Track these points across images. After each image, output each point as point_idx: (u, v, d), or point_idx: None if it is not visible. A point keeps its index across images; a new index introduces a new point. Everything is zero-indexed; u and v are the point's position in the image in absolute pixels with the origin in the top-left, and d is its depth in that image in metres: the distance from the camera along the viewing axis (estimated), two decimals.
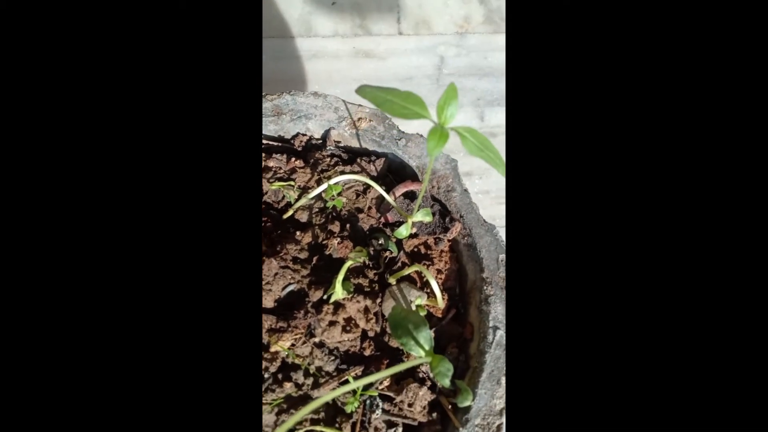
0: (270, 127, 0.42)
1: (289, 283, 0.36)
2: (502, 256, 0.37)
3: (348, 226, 0.40)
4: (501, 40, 0.73)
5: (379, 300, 0.37)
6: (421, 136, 0.41)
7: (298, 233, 0.38)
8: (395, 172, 0.43)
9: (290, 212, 0.39)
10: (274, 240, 0.37)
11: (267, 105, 0.41)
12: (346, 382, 0.34)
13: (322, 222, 0.39)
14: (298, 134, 0.43)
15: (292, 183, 0.40)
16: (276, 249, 0.36)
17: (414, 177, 0.42)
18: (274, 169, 0.41)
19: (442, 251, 0.40)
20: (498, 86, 0.69)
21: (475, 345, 0.37)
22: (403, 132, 0.42)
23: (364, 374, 0.35)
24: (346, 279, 0.36)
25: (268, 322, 0.34)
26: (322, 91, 0.43)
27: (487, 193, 0.62)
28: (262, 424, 0.33)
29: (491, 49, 0.72)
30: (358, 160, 0.42)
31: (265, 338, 0.34)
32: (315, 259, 0.37)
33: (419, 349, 0.27)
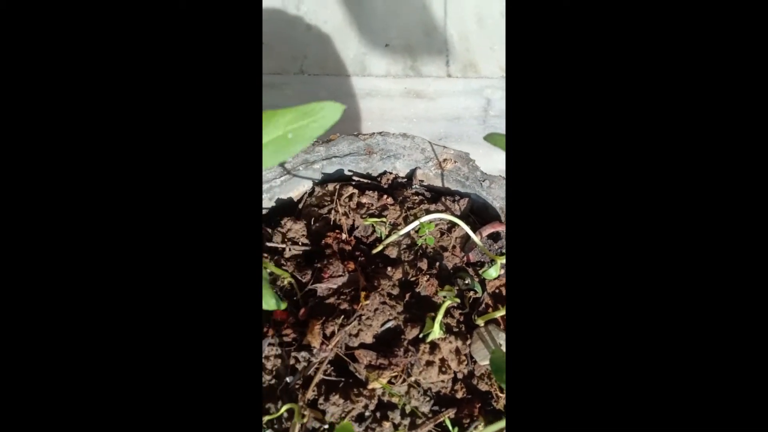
0: (361, 165, 0.43)
1: (388, 320, 0.36)
2: None
3: (436, 264, 0.40)
4: None
5: (468, 341, 0.37)
6: (504, 177, 0.43)
7: (389, 269, 0.38)
8: (477, 213, 0.44)
9: (380, 247, 0.40)
10: (370, 275, 0.38)
11: (359, 144, 0.42)
12: (442, 424, 0.34)
13: (411, 259, 0.40)
14: (385, 172, 0.44)
15: (384, 219, 0.41)
16: (374, 284, 0.37)
17: (496, 218, 0.43)
18: (366, 205, 0.42)
19: None
20: None
21: None
22: (487, 173, 0.43)
23: (457, 417, 0.35)
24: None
25: (368, 357, 0.34)
26: (385, 130, 0.44)
27: None
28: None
29: None
30: (443, 199, 0.43)
31: (364, 373, 0.34)
32: (407, 295, 0.38)
33: None
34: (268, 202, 0.43)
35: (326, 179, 0.43)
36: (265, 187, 0.41)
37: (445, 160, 0.43)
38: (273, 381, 0.35)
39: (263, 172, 0.41)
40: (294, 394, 0.34)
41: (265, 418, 0.33)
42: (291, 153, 0.22)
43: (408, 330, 0.36)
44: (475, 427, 0.34)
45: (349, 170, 0.44)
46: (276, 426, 0.33)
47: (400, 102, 0.72)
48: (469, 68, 0.76)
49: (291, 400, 0.34)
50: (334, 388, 0.34)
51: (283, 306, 0.34)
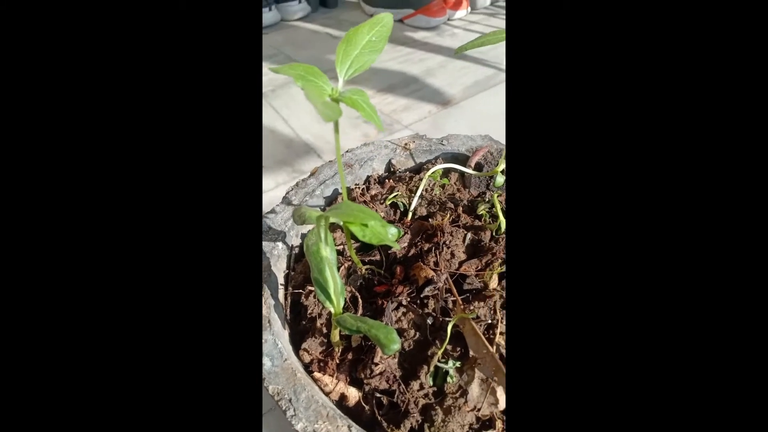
0: (348, 179, 0.49)
1: (465, 236, 0.40)
2: None
3: (457, 202, 0.46)
4: None
5: None
6: (452, 134, 0.53)
7: (431, 220, 0.43)
8: (451, 162, 0.53)
9: (410, 214, 0.45)
10: (436, 224, 0.42)
11: (341, 163, 0.49)
12: None
13: (438, 208, 0.45)
14: (368, 177, 0.50)
15: (400, 194, 0.46)
16: (431, 225, 0.41)
17: (466, 158, 0.52)
18: (378, 195, 0.47)
19: None
20: None
21: None
22: (440, 138, 0.54)
23: None
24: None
25: (473, 267, 0.37)
26: (367, 139, 0.53)
27: None
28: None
29: None
30: (424, 167, 0.51)
31: (476, 282, 0.36)
32: (461, 225, 0.43)
33: None
34: (297, 240, 0.44)
35: (330, 199, 0.48)
36: (288, 225, 0.43)
37: (406, 144, 0.53)
38: (417, 335, 0.35)
39: (278, 216, 0.44)
40: (446, 317, 0.34)
41: (438, 353, 0.32)
42: (379, 51, 0.28)
43: (483, 235, 0.40)
44: None
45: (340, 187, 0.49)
46: (449, 361, 0.32)
47: None
48: None
49: (443, 329, 0.34)
50: (469, 300, 0.35)
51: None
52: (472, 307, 0.34)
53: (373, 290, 0.38)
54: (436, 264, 0.37)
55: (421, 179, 0.48)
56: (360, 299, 0.37)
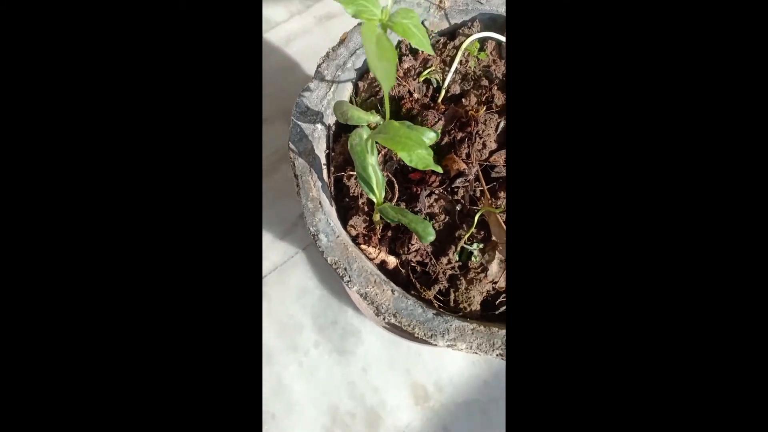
0: None
1: (498, 123, 0.42)
2: None
3: (492, 78, 0.46)
4: None
5: None
6: None
7: (464, 100, 0.44)
8: (489, 27, 0.50)
9: (443, 93, 0.45)
10: (469, 109, 0.43)
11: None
12: None
13: (473, 84, 0.45)
14: (399, 42, 0.48)
15: (432, 69, 0.46)
16: (465, 110, 0.42)
17: (505, 22, 0.49)
18: (410, 69, 0.46)
19: None
20: None
21: None
22: None
23: None
24: None
25: (501, 158, 0.40)
26: None
27: None
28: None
29: None
30: (458, 32, 0.48)
31: (503, 163, 0.40)
32: (494, 108, 0.44)
33: None
34: (333, 118, 0.46)
35: (361, 71, 0.47)
36: (324, 104, 0.44)
37: (440, 2, 0.48)
38: (447, 219, 0.41)
39: (314, 94, 0.44)
40: (473, 206, 0.40)
41: (464, 236, 0.39)
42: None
43: None
44: None
45: None
46: (473, 243, 0.39)
47: None
48: None
49: (471, 216, 0.39)
50: (495, 189, 0.40)
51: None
52: (497, 198, 0.39)
53: (408, 176, 0.42)
54: (468, 156, 0.40)
55: (456, 48, 0.47)
56: (396, 184, 0.41)
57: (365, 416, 0.56)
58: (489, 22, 0.50)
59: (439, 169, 0.33)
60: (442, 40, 0.48)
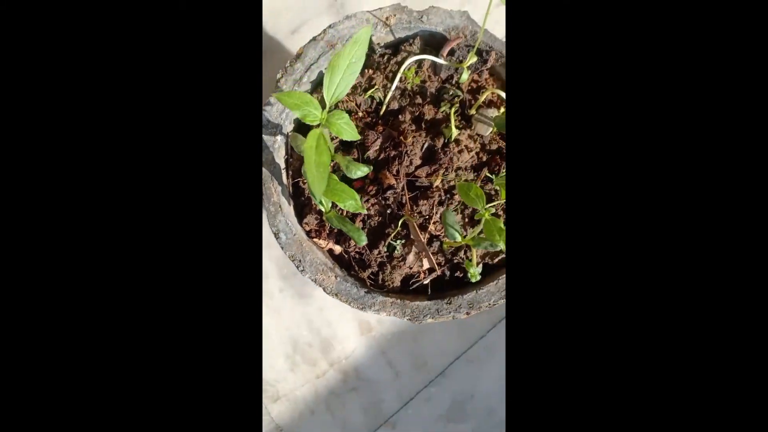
0: (329, 57, 0.54)
1: (423, 144, 0.52)
2: None
3: (426, 95, 0.55)
4: None
5: (472, 126, 0.54)
6: (434, 6, 0.55)
7: (400, 116, 0.53)
8: (429, 43, 0.57)
9: (384, 106, 0.54)
10: (393, 127, 0.53)
11: (321, 44, 0.53)
12: (487, 177, 0.53)
13: (409, 100, 0.54)
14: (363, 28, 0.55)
15: (375, 87, 0.54)
16: (400, 130, 0.52)
17: (444, 39, 0.56)
18: (356, 85, 0.54)
19: (486, 79, 0.57)
20: None
21: None
22: (420, 10, 0.55)
23: (490, 170, 0.54)
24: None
25: (424, 171, 0.52)
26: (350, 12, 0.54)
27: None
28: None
29: None
30: (401, 47, 0.55)
31: (426, 181, 0.52)
32: (423, 125, 0.53)
33: None
34: (291, 126, 0.54)
35: (315, 83, 0.55)
36: (283, 116, 0.53)
37: (387, 18, 0.55)
38: (380, 219, 0.53)
39: (273, 108, 0.52)
40: (399, 212, 0.52)
41: (392, 234, 0.52)
42: (357, 71, 0.34)
43: (437, 142, 0.52)
44: (502, 171, 0.54)
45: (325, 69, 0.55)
46: (397, 240, 0.52)
47: None
48: None
49: (397, 219, 0.52)
50: (417, 197, 0.52)
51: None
52: (418, 205, 0.51)
53: (353, 182, 0.52)
54: (398, 172, 0.51)
55: (399, 65, 0.54)
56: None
57: (320, 345, 0.73)
58: (428, 37, 0.57)
59: (364, 210, 0.43)
60: (387, 53, 0.56)
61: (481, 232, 0.42)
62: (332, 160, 0.47)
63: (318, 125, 0.34)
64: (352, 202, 0.40)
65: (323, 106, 0.35)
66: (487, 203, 0.42)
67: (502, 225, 0.37)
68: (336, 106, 0.51)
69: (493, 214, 0.43)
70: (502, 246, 0.37)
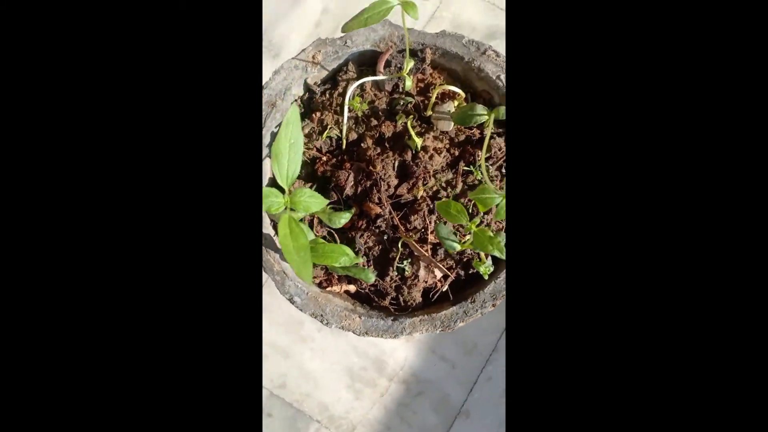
0: (277, 117, 0.55)
1: (393, 162, 0.53)
2: (465, 39, 0.54)
3: (378, 114, 0.55)
4: None
5: (433, 127, 0.55)
6: (358, 31, 0.54)
7: (362, 144, 0.53)
8: (362, 62, 0.57)
9: (344, 141, 0.54)
10: (359, 159, 0.53)
11: (263, 106, 0.53)
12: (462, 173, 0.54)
13: (365, 126, 0.55)
14: (292, 103, 0.55)
15: (330, 126, 0.54)
16: (366, 158, 0.53)
17: (374, 55, 0.56)
18: (310, 132, 0.55)
19: (431, 74, 0.56)
20: None
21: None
22: (343, 38, 0.55)
23: (467, 162, 0.54)
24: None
25: (405, 188, 0.52)
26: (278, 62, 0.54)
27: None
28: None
29: None
30: (338, 77, 0.55)
31: (410, 195, 0.53)
32: (387, 145, 0.54)
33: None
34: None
35: (274, 134, 0.55)
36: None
37: (313, 56, 0.55)
38: (380, 246, 0.54)
39: None
40: (396, 234, 0.53)
41: (396, 258, 0.53)
42: (301, 147, 0.35)
43: (406, 156, 0.53)
44: (478, 159, 0.54)
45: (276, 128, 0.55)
46: (404, 261, 0.53)
47: None
48: None
49: (396, 241, 0.53)
50: (407, 214, 0.53)
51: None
52: (409, 222, 0.52)
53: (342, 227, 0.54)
54: (380, 200, 0.52)
55: (342, 96, 0.55)
56: (336, 234, 0.53)
57: (373, 365, 0.76)
58: (359, 58, 0.56)
59: (360, 259, 0.44)
60: (326, 89, 0.56)
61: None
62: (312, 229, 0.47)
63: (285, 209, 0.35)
64: (344, 258, 0.42)
65: (282, 190, 0.36)
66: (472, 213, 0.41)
67: (491, 234, 0.38)
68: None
69: (479, 225, 0.43)
70: (498, 254, 0.38)
